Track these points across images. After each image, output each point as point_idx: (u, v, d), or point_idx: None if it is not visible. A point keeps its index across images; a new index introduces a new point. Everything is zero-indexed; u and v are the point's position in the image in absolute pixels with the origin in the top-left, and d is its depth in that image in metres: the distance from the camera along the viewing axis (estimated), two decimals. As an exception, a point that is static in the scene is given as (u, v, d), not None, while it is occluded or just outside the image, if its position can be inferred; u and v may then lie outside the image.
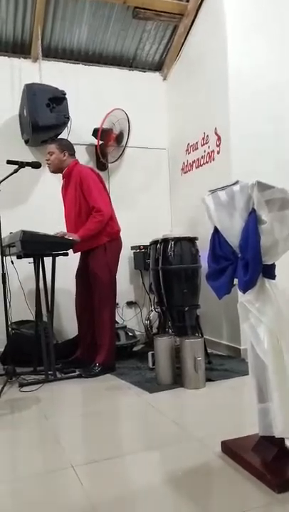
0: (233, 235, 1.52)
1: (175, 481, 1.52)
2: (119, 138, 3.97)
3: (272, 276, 1.50)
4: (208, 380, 2.66)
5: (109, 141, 3.93)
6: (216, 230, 1.61)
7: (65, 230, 3.10)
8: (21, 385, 2.76)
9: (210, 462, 1.65)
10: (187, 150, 3.99)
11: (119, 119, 3.90)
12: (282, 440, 1.54)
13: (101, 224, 2.99)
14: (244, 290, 1.45)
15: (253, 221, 1.41)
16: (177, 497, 1.43)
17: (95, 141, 3.94)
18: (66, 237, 2.94)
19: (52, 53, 3.98)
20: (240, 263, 1.47)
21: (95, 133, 3.90)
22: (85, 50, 4.05)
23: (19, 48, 3.88)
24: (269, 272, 1.49)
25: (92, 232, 2.98)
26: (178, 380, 2.66)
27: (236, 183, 1.49)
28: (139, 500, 1.43)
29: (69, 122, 3.70)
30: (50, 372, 2.88)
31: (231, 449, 1.66)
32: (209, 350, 3.16)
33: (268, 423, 1.53)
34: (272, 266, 1.50)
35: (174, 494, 1.44)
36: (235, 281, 1.54)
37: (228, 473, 1.55)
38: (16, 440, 2.05)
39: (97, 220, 2.98)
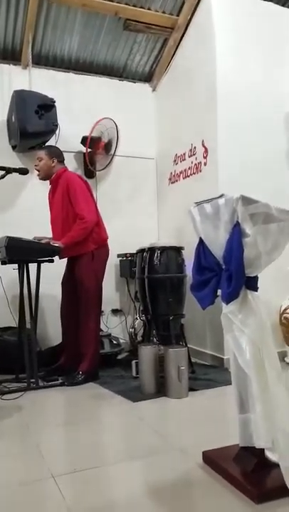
0: (218, 247, 1.54)
1: (156, 492, 1.52)
2: (107, 146, 3.99)
3: (255, 288, 1.53)
4: (191, 389, 2.67)
5: (97, 150, 3.95)
6: (201, 241, 1.63)
7: (50, 236, 3.09)
8: (2, 393, 2.73)
9: (191, 472, 1.66)
10: (175, 161, 4.04)
11: (108, 128, 3.93)
12: (261, 451, 1.55)
13: (85, 231, 2.99)
14: (227, 301, 1.48)
15: (237, 234, 1.44)
16: (158, 508, 1.43)
17: (83, 148, 3.96)
18: (44, 241, 2.91)
19: (42, 61, 4.00)
20: (224, 275, 1.50)
21: (84, 141, 3.92)
22: (75, 59, 4.08)
23: (10, 54, 3.89)
24: (252, 283, 1.51)
25: (76, 239, 2.97)
26: (161, 389, 2.67)
27: (221, 196, 1.52)
28: (119, 511, 1.42)
29: (57, 130, 3.71)
30: (32, 380, 2.86)
31: (212, 459, 1.67)
32: (193, 360, 3.18)
33: (249, 434, 1.55)
34: (255, 278, 1.53)
35: (155, 505, 1.44)
36: (219, 292, 1.56)
37: (209, 484, 1.56)
38: (-4, 449, 2.02)
39: (80, 227, 2.98)
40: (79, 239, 2.98)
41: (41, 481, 1.63)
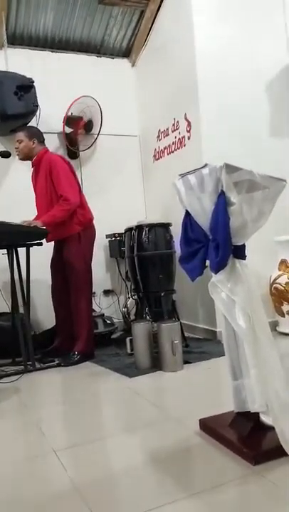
0: (204, 218, 1.55)
1: (156, 460, 1.56)
2: (87, 126, 3.92)
3: (243, 257, 1.54)
4: (186, 362, 2.72)
5: (78, 129, 3.89)
6: (187, 214, 1.63)
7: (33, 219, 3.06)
8: (0, 377, 2.75)
9: (189, 440, 1.70)
10: (158, 136, 4.00)
11: (88, 106, 3.86)
12: (257, 415, 1.59)
13: (67, 213, 2.96)
14: (216, 271, 1.49)
15: (222, 203, 1.44)
16: (159, 475, 1.46)
17: (65, 129, 3.90)
18: (26, 224, 2.87)
19: (18, 40, 3.89)
20: (211, 245, 1.50)
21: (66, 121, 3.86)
22: (51, 37, 3.97)
23: (-17, 35, 3.78)
24: (239, 252, 1.53)
25: (57, 219, 2.95)
26: (156, 363, 2.71)
27: (205, 166, 1.51)
28: (121, 481, 1.46)
29: (38, 111, 3.64)
30: (29, 363, 2.88)
31: (209, 426, 1.71)
32: (186, 334, 3.22)
33: (242, 399, 1.59)
34: (243, 246, 1.54)
35: (156, 473, 1.48)
36: (208, 262, 1.57)
37: (206, 449, 1.60)
38: (-3, 430, 2.05)
39: (63, 208, 2.95)
40: (60, 219, 2.95)
41: (43, 456, 1.66)
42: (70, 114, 3.85)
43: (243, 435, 1.59)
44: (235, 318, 1.46)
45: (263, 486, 1.34)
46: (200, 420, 1.76)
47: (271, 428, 1.51)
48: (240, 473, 1.41)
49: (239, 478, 1.39)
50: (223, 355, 1.69)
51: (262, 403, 1.49)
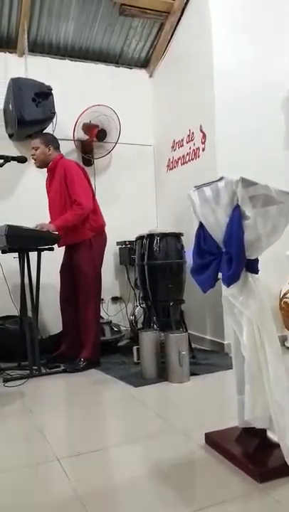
0: (218, 230, 1.55)
1: (160, 473, 1.54)
2: (100, 134, 3.93)
3: (256, 271, 1.53)
4: (193, 374, 2.70)
5: (92, 137, 3.91)
6: (200, 225, 1.63)
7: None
8: (6, 380, 2.75)
9: (194, 454, 1.68)
10: (173, 147, 4.02)
11: (102, 114, 3.87)
12: (264, 431, 1.58)
13: (79, 217, 2.98)
14: (228, 284, 1.48)
15: (237, 216, 1.44)
16: (162, 488, 1.45)
17: (80, 136, 3.94)
18: (39, 228, 2.89)
19: (38, 48, 3.95)
20: (224, 257, 1.50)
21: (85, 129, 3.89)
22: (71, 46, 4.03)
23: (5, 42, 3.84)
24: (252, 266, 1.52)
25: (69, 223, 2.96)
26: (162, 374, 2.69)
27: (221, 179, 1.52)
28: (124, 492, 1.45)
29: (55, 117, 3.68)
30: (34, 368, 2.88)
31: (215, 441, 1.70)
32: (193, 345, 3.20)
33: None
34: (256, 261, 1.54)
35: (159, 485, 1.47)
36: (220, 275, 1.57)
37: (211, 464, 1.58)
38: (1, 434, 2.04)
39: (76, 212, 2.97)
40: (72, 224, 2.97)
41: (47, 464, 1.65)
42: (88, 121, 3.88)
43: (249, 451, 1.57)
44: (241, 333, 1.46)
45: (268, 504, 1.32)
46: (205, 434, 1.75)
47: (278, 445, 1.49)
48: (244, 490, 1.40)
49: (244, 495, 1.38)
50: (231, 368, 1.68)
51: (252, 417, 1.48)
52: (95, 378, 2.83)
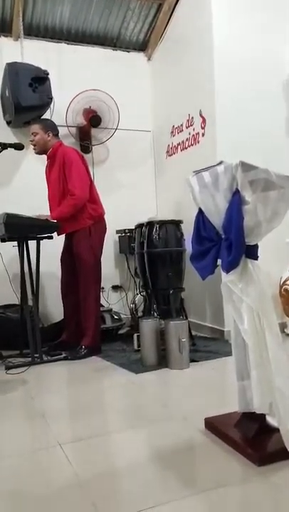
0: (217, 216, 1.53)
1: (160, 457, 1.55)
2: (92, 121, 3.86)
3: (255, 257, 1.52)
4: (192, 360, 2.71)
5: (86, 123, 3.85)
6: (200, 211, 1.61)
7: (48, 212, 3.06)
8: (8, 368, 2.77)
9: (194, 438, 1.69)
10: (172, 132, 3.97)
11: (98, 100, 3.81)
12: (263, 416, 1.58)
13: (74, 208, 2.97)
14: (227, 270, 1.47)
15: (236, 202, 1.42)
16: (162, 472, 1.46)
17: (78, 122, 3.89)
18: (37, 216, 2.89)
19: (34, 31, 3.89)
20: (223, 244, 1.49)
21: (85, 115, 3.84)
22: (67, 29, 3.96)
23: (0, 26, 3.77)
24: (252, 252, 1.51)
25: (64, 214, 2.96)
26: (163, 361, 2.71)
27: (220, 163, 1.50)
28: (125, 476, 1.46)
29: (52, 103, 3.63)
30: (36, 355, 2.90)
31: (214, 426, 1.71)
32: (193, 333, 3.21)
33: (247, 400, 1.58)
34: (255, 246, 1.52)
35: (159, 469, 1.48)
36: (219, 262, 1.56)
37: (211, 449, 1.59)
38: (3, 420, 2.06)
39: (69, 203, 2.97)
40: (68, 215, 2.97)
41: (48, 449, 1.67)
42: (86, 107, 3.82)
43: (249, 436, 1.58)
44: (240, 319, 1.45)
45: (267, 488, 1.33)
46: (205, 419, 1.76)
47: (277, 430, 1.50)
48: (244, 474, 1.41)
49: (243, 478, 1.39)
50: (230, 355, 1.68)
51: (262, 405, 1.48)
52: (96, 365, 2.85)
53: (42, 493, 1.37)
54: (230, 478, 1.39)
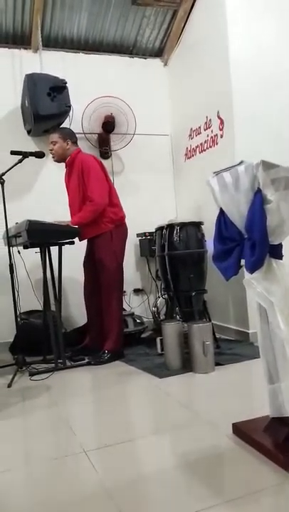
0: (239, 216, 1.51)
1: (187, 464, 1.53)
2: (106, 126, 3.88)
3: (280, 256, 1.49)
4: (217, 364, 2.67)
5: (101, 130, 3.88)
6: (221, 212, 1.59)
7: (68, 219, 3.09)
8: (31, 374, 2.79)
9: (221, 444, 1.66)
10: (190, 135, 3.96)
11: (113, 106, 3.84)
12: (292, 420, 1.54)
13: (94, 214, 2.98)
14: (251, 270, 1.45)
15: (258, 201, 1.40)
16: (190, 479, 1.43)
17: (97, 129, 3.92)
18: (58, 222, 2.91)
19: (52, 43, 3.95)
20: (246, 243, 1.46)
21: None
22: (85, 39, 4.01)
23: (19, 39, 3.86)
24: (276, 251, 1.48)
25: (83, 220, 2.98)
26: (187, 364, 2.67)
27: (241, 163, 1.47)
28: (152, 483, 1.44)
29: (71, 111, 3.68)
30: (59, 361, 2.91)
31: (242, 431, 1.67)
32: (217, 335, 3.17)
33: (279, 404, 1.53)
34: (279, 246, 1.49)
35: (187, 476, 1.45)
36: (242, 262, 1.53)
37: (239, 455, 1.56)
38: (28, 427, 2.07)
39: (89, 209, 2.98)
40: (88, 220, 2.98)
41: (74, 456, 1.66)
42: (101, 113, 3.85)
43: (278, 441, 1.54)
44: (274, 319, 1.41)
45: (300, 495, 1.29)
46: (233, 424, 1.72)
47: (308, 435, 1.46)
48: (274, 481, 1.37)
49: (274, 485, 1.35)
50: (256, 358, 1.65)
51: None
52: (119, 370, 2.84)
53: (67, 500, 1.36)
54: (260, 485, 1.35)
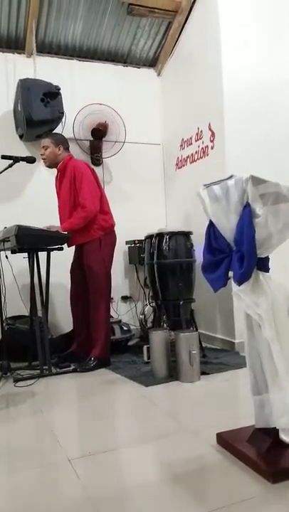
0: (228, 229, 1.53)
1: (171, 473, 1.53)
2: (95, 134, 3.91)
3: (267, 269, 1.52)
4: (203, 373, 2.68)
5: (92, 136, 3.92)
6: (211, 223, 1.62)
7: (59, 225, 3.09)
8: (16, 380, 2.76)
9: (205, 454, 1.67)
10: (181, 145, 4.00)
11: (102, 114, 3.87)
12: (276, 431, 1.56)
13: (84, 220, 2.99)
14: (239, 282, 1.47)
15: (247, 215, 1.42)
16: (173, 489, 1.44)
17: (89, 136, 3.94)
18: (47, 228, 2.92)
19: (46, 49, 3.96)
20: (235, 256, 1.49)
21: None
22: (79, 46, 4.03)
23: (13, 43, 3.87)
24: (263, 264, 1.50)
25: (75, 226, 2.98)
26: (173, 373, 2.68)
27: (231, 177, 1.50)
28: (135, 492, 1.44)
29: (63, 117, 3.69)
30: (45, 367, 2.89)
31: (226, 441, 1.68)
32: (204, 344, 3.19)
33: (266, 415, 1.55)
34: (267, 259, 1.52)
35: (170, 486, 1.46)
36: (230, 274, 1.55)
37: (223, 465, 1.57)
38: (12, 434, 2.05)
39: (80, 215, 2.99)
40: (78, 226, 2.99)
41: (57, 464, 1.65)
42: (89, 121, 3.87)
43: (262, 451, 1.55)
44: (262, 331, 1.43)
45: (282, 506, 1.30)
46: (217, 434, 1.73)
47: (290, 446, 1.48)
48: (258, 491, 1.38)
49: (256, 496, 1.36)
50: (242, 367, 1.67)
51: None
52: (105, 378, 2.83)
53: (50, 508, 1.36)
54: (244, 495, 1.36)
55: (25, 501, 1.42)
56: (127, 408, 2.36)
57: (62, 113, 3.64)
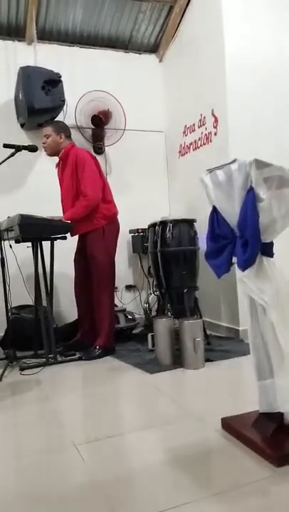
0: (231, 214, 1.52)
1: (176, 458, 1.54)
2: (95, 121, 3.88)
3: (271, 255, 1.51)
4: (208, 360, 2.69)
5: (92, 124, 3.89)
6: (214, 209, 1.61)
7: (61, 213, 3.08)
8: (22, 369, 2.78)
9: (210, 439, 1.68)
10: (184, 132, 3.96)
11: (103, 101, 3.83)
12: (281, 416, 1.56)
13: (87, 208, 2.98)
14: (243, 268, 1.46)
15: (251, 199, 1.41)
16: (178, 473, 1.45)
17: (89, 123, 3.91)
18: (50, 217, 2.91)
19: (47, 36, 3.92)
20: (238, 241, 1.48)
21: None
22: (80, 32, 3.98)
23: (14, 31, 3.82)
24: (267, 250, 1.49)
25: (77, 216, 2.98)
26: (177, 360, 2.69)
27: (234, 161, 1.49)
28: (140, 477, 1.45)
29: (65, 105, 3.66)
30: (50, 356, 2.91)
31: (231, 426, 1.69)
32: (208, 332, 3.19)
33: (270, 399, 1.55)
34: (271, 244, 1.51)
35: (175, 470, 1.47)
36: (234, 260, 1.54)
37: (228, 449, 1.58)
38: (18, 421, 2.07)
39: (82, 204, 2.98)
40: (81, 215, 2.98)
41: (63, 450, 1.67)
42: (90, 108, 3.83)
43: (267, 436, 1.56)
44: (267, 317, 1.43)
45: (287, 488, 1.31)
46: (222, 419, 1.74)
47: (295, 430, 1.48)
48: (263, 475, 1.39)
49: (261, 479, 1.37)
50: (246, 354, 1.67)
51: None
52: (110, 366, 2.85)
53: (57, 494, 1.37)
54: (248, 479, 1.37)
55: (32, 487, 1.44)
56: (132, 395, 2.38)
57: (64, 101, 3.61)
